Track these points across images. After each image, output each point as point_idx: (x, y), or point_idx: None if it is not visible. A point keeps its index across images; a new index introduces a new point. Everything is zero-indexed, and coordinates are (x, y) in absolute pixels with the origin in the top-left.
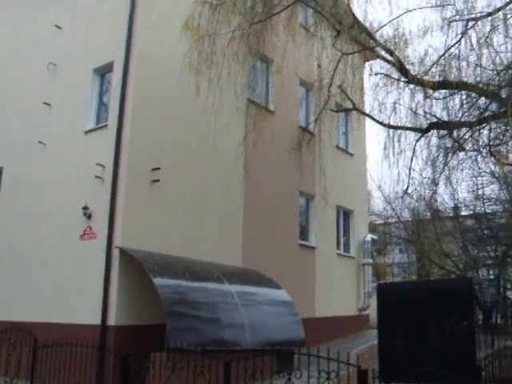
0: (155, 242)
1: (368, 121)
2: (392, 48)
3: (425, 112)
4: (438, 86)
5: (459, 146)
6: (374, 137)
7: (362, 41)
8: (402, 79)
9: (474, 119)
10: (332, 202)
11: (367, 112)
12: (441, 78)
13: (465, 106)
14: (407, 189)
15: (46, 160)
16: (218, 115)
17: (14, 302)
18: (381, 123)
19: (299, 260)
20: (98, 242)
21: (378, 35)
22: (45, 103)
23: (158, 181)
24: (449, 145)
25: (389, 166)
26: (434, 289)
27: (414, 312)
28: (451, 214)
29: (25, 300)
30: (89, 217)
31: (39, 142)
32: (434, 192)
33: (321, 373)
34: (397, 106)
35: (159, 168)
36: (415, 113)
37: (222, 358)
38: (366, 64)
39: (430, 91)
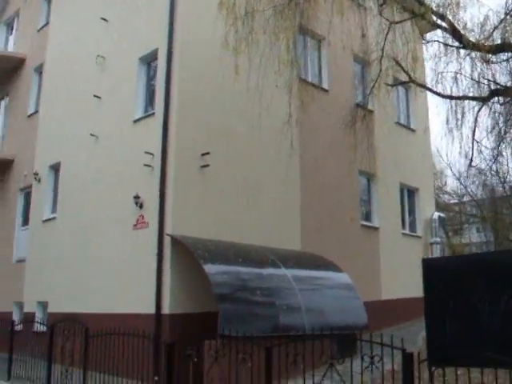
0: (207, 229)
1: (429, 95)
2: (444, 13)
3: (486, 79)
4: (496, 49)
5: None
6: (436, 111)
7: (410, 7)
8: (456, 45)
9: None
10: (394, 180)
11: (425, 84)
12: (499, 42)
13: None
14: (471, 162)
15: (99, 152)
16: (264, 95)
17: (71, 295)
18: (440, 94)
19: (362, 241)
20: (150, 231)
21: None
22: (95, 96)
23: (208, 166)
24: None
25: (452, 139)
26: (486, 262)
27: (463, 288)
28: None
29: (81, 292)
30: (140, 206)
31: (91, 135)
32: (500, 164)
33: (364, 357)
34: (455, 75)
35: (208, 153)
36: (477, 81)
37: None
38: (418, 33)
39: (489, 56)
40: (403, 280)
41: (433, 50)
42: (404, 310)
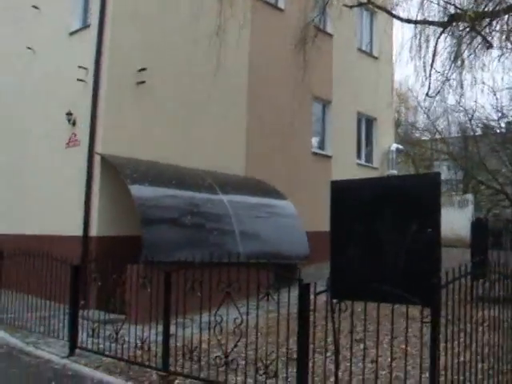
0: (143, 149)
1: (396, 24)
2: None
3: (445, 2)
4: None
5: (485, 42)
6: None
7: None
8: None
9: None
10: (352, 108)
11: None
12: None
13: None
14: (428, 92)
15: (35, 66)
16: (209, 10)
17: (5, 215)
18: (399, 18)
19: (313, 169)
20: (81, 150)
21: None
22: (33, 6)
23: (144, 82)
24: (473, 40)
25: (414, 69)
26: (394, 188)
27: (371, 216)
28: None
29: (10, 213)
30: (73, 123)
31: (28, 48)
32: (461, 96)
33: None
34: None
35: (145, 69)
36: (437, 4)
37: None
38: None
39: None
40: None
41: None
42: None
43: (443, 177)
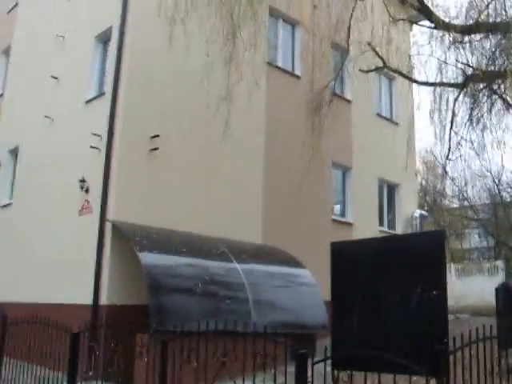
0: (156, 216)
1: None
2: None
3: (460, 62)
4: (467, 29)
5: (503, 101)
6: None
7: None
8: (427, 25)
9: None
10: (372, 174)
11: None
12: (471, 22)
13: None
14: (448, 155)
15: (53, 135)
16: (223, 78)
17: (18, 283)
18: (415, 81)
19: (333, 237)
20: (93, 217)
21: None
22: (52, 77)
23: (157, 149)
24: (488, 100)
25: (434, 132)
26: (396, 248)
27: (372, 279)
28: None
29: (27, 280)
30: (86, 190)
31: (45, 117)
32: (483, 158)
33: None
34: (429, 58)
35: (158, 135)
36: (455, 66)
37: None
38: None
39: (462, 37)
40: None
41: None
42: None
43: (474, 244)
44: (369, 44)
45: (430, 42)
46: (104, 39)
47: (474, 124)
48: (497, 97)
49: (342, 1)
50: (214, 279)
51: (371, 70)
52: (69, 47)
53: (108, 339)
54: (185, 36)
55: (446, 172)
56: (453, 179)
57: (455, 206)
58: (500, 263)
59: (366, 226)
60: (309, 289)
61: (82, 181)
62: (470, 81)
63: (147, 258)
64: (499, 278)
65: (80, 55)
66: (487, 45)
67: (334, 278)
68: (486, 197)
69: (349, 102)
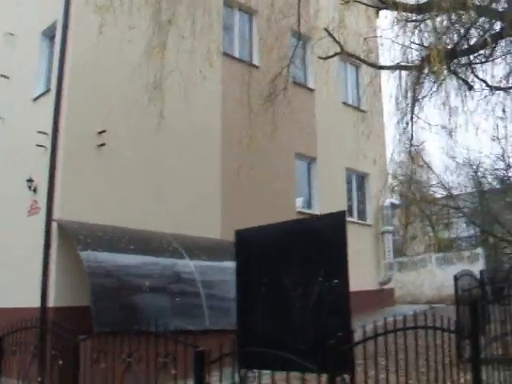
0: (106, 214)
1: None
2: None
3: (413, 43)
4: (420, 8)
5: (465, 83)
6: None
7: None
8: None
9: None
10: (339, 164)
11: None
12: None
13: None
14: (411, 140)
15: (4, 134)
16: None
17: None
18: (371, 64)
19: None
20: (41, 217)
21: None
22: (2, 75)
23: (104, 144)
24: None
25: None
26: (300, 233)
27: (277, 268)
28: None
29: None
30: (34, 190)
31: None
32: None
33: None
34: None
35: (105, 131)
36: (409, 47)
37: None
38: None
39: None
40: (351, 272)
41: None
42: (353, 304)
43: (462, 233)
44: (325, 29)
45: (393, 26)
46: (50, 34)
47: (441, 108)
48: (455, 77)
49: None
50: (163, 276)
51: (329, 57)
52: (19, 44)
53: (26, 343)
54: (126, 27)
55: (412, 159)
56: (429, 167)
57: (440, 195)
58: (480, 251)
59: None
60: None
61: (30, 180)
62: (426, 62)
63: (90, 256)
64: (479, 266)
65: (28, 51)
66: (441, 23)
67: (239, 268)
68: (471, 186)
69: (311, 90)
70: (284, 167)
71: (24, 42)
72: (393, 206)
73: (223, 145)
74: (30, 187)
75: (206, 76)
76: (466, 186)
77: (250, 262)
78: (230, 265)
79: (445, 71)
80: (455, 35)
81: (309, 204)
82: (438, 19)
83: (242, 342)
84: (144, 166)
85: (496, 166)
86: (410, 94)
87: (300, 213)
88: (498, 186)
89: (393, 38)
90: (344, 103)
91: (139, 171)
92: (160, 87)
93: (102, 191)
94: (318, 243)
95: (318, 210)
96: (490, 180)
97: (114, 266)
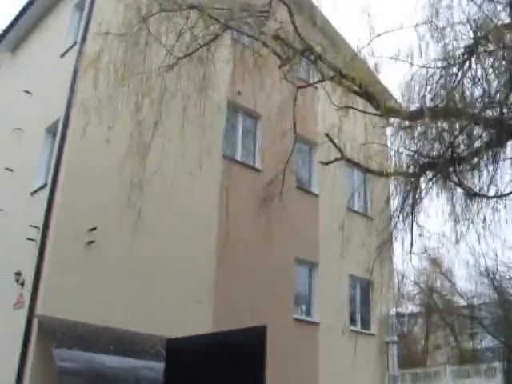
0: (89, 312)
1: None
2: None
3: (409, 150)
4: (415, 115)
5: (468, 190)
6: None
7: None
8: (374, 112)
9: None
10: (343, 271)
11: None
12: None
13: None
14: (411, 248)
15: (1, 227)
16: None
17: None
18: (371, 171)
19: (296, 338)
20: (24, 312)
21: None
22: (7, 168)
23: (93, 242)
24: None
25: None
26: (221, 346)
27: (199, 380)
28: None
29: None
30: (22, 284)
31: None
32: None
33: None
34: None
35: (95, 228)
36: (408, 155)
37: None
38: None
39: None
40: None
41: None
42: None
43: (491, 343)
44: (326, 135)
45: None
46: (53, 131)
47: (447, 216)
48: (453, 184)
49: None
50: (139, 379)
51: (330, 162)
52: (24, 139)
53: None
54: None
55: (449, 280)
56: (444, 275)
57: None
58: (498, 365)
59: (335, 326)
60: None
61: (18, 274)
62: (424, 169)
63: (63, 354)
64: (497, 381)
65: (33, 147)
66: (436, 130)
67: (167, 379)
68: (491, 295)
69: (315, 195)
70: (283, 272)
71: (29, 137)
72: (398, 315)
73: (219, 249)
74: (17, 280)
75: (205, 178)
76: (484, 296)
77: (178, 372)
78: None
79: (442, 179)
80: (446, 142)
81: (308, 311)
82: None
83: None
84: (132, 266)
85: None
86: (409, 201)
87: (297, 320)
88: None
89: (388, 145)
90: (349, 208)
91: (127, 270)
92: (140, 188)
93: (87, 288)
94: (236, 357)
95: (317, 317)
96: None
97: (87, 365)
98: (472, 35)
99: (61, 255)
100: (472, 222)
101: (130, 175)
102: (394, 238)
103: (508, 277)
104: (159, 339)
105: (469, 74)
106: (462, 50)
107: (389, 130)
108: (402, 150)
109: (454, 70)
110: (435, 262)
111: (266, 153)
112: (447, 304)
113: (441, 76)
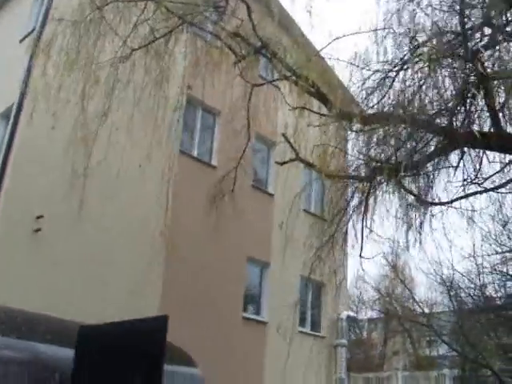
0: (35, 301)
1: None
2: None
3: (361, 153)
4: (367, 119)
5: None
6: None
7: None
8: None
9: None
10: (296, 272)
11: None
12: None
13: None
14: (360, 253)
15: None
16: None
17: None
18: (327, 174)
19: (243, 336)
20: None
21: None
22: None
23: (40, 230)
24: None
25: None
26: (126, 336)
27: (103, 371)
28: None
29: None
30: None
31: None
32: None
33: None
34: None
35: (42, 216)
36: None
37: None
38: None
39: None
40: None
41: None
42: None
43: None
44: (283, 135)
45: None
46: (8, 116)
47: (398, 221)
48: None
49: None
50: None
51: (285, 162)
52: None
53: None
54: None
55: (363, 270)
56: (403, 282)
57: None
58: (447, 371)
59: (284, 326)
60: None
61: None
62: (375, 174)
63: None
64: None
65: None
66: (386, 135)
67: (75, 368)
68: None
69: (270, 195)
70: (234, 271)
71: None
72: (349, 318)
73: (169, 245)
74: None
75: (156, 172)
76: (443, 305)
77: (87, 359)
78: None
79: (392, 185)
80: (395, 147)
81: (257, 310)
82: (382, 130)
83: None
84: (79, 254)
85: (469, 285)
86: (361, 205)
87: (247, 318)
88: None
89: (342, 147)
90: (305, 210)
91: (75, 259)
92: (85, 177)
93: (31, 276)
94: (136, 349)
95: (266, 317)
96: (464, 299)
97: (25, 354)
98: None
99: (6, 244)
100: (421, 228)
101: (73, 164)
102: (342, 240)
103: (464, 286)
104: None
105: (426, 81)
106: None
107: (342, 133)
108: (355, 153)
109: (408, 74)
110: (395, 269)
111: (223, 150)
112: (406, 311)
113: (393, 81)
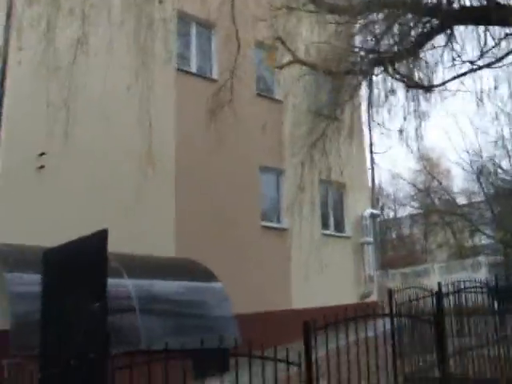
0: (44, 236)
1: None
2: None
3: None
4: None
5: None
6: None
7: None
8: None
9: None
10: (312, 176)
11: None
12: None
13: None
14: (371, 147)
15: None
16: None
17: None
18: (324, 71)
19: (264, 246)
20: None
21: None
22: None
23: (43, 167)
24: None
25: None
26: (71, 255)
27: (63, 289)
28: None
29: None
30: None
31: None
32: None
33: None
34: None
35: (44, 153)
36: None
37: None
38: None
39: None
40: (326, 286)
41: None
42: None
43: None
44: (278, 38)
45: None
46: None
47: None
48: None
49: None
50: None
51: (283, 66)
52: None
53: None
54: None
55: (373, 164)
56: (431, 174)
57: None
58: (482, 258)
59: (305, 231)
60: (217, 303)
61: None
62: (372, 66)
63: (15, 278)
64: (481, 275)
65: None
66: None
67: (43, 288)
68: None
69: (279, 101)
70: (247, 182)
71: None
72: (373, 215)
73: (177, 162)
74: None
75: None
76: (474, 193)
77: (49, 281)
78: (174, 284)
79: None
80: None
81: (276, 218)
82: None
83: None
84: (87, 188)
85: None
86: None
87: (266, 227)
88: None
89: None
90: (316, 112)
91: (81, 193)
92: (66, 108)
93: (39, 213)
94: (84, 265)
95: (286, 223)
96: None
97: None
98: None
99: (11, 182)
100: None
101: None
102: (347, 134)
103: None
104: (114, 256)
105: None
106: None
107: (333, 27)
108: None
109: None
110: (431, 163)
111: (223, 62)
112: (444, 203)
113: None
